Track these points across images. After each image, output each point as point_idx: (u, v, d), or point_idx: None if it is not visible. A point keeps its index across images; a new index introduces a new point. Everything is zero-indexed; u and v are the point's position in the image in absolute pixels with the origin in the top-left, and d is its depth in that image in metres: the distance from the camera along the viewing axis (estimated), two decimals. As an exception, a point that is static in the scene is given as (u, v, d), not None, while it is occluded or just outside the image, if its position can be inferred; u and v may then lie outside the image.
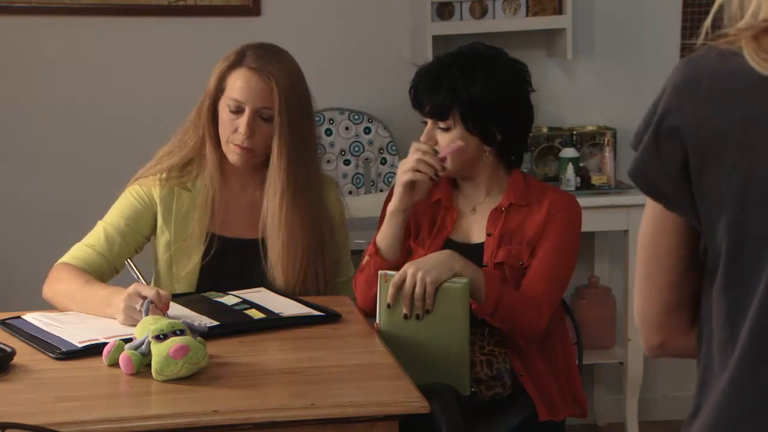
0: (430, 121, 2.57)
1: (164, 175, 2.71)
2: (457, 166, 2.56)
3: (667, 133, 1.34)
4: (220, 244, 2.69)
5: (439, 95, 2.52)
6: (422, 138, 2.58)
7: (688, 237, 1.38)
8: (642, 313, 1.46)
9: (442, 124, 2.54)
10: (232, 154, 2.67)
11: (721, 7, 1.33)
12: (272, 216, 2.66)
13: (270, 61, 2.64)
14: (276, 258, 2.66)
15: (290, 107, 2.62)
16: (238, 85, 2.63)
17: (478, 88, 2.50)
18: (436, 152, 2.51)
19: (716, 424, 1.32)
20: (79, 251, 2.65)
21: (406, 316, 2.35)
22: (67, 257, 2.64)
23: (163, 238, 2.72)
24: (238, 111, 2.63)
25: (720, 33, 1.32)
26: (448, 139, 2.54)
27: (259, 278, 2.69)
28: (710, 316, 1.36)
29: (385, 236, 2.54)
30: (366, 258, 2.57)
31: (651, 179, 1.37)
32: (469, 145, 2.55)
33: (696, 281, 1.40)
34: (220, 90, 2.65)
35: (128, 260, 2.54)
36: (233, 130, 2.64)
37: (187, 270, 2.69)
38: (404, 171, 2.51)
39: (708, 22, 1.32)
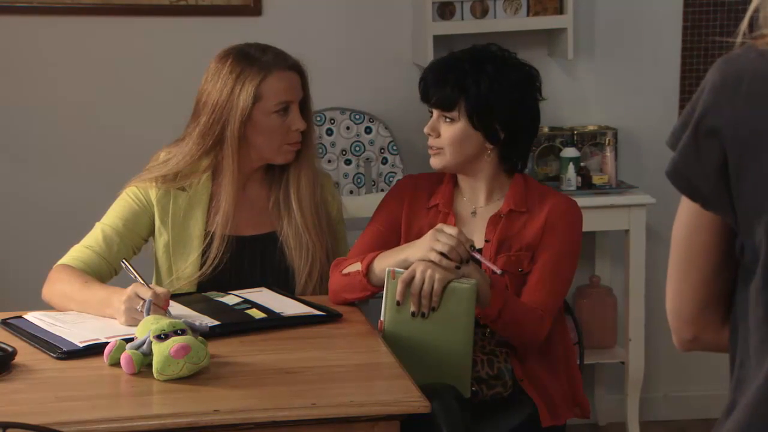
0: (435, 112, 2.58)
1: (160, 178, 2.72)
2: (458, 158, 2.56)
3: (706, 133, 1.33)
4: (224, 242, 2.69)
5: (447, 87, 2.53)
6: (426, 128, 2.58)
7: (724, 235, 1.38)
8: (675, 309, 1.46)
9: (447, 115, 2.55)
10: (286, 154, 2.71)
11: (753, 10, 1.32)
12: (303, 200, 2.71)
13: (289, 55, 2.71)
14: (302, 247, 2.70)
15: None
16: (281, 87, 2.66)
17: (486, 84, 2.51)
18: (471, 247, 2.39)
19: (751, 423, 1.32)
20: (77, 252, 2.66)
21: (413, 314, 2.35)
22: (66, 259, 2.65)
23: (161, 239, 2.72)
24: (284, 112, 2.66)
25: (758, 33, 1.32)
26: (451, 131, 2.54)
27: (264, 273, 2.70)
28: (746, 313, 1.36)
29: (384, 269, 2.42)
30: (355, 266, 2.52)
31: (689, 179, 1.36)
32: (471, 140, 2.55)
33: (730, 277, 1.41)
34: (255, 102, 2.64)
35: (124, 261, 2.53)
36: (285, 132, 2.68)
37: (189, 270, 2.69)
38: (430, 251, 2.36)
39: (745, 23, 1.32)
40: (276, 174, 2.76)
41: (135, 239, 2.72)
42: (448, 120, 2.55)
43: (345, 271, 2.53)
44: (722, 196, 1.34)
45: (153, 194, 2.72)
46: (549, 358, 2.57)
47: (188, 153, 2.70)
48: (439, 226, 2.40)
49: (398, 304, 2.36)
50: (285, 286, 2.70)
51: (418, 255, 2.36)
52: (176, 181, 2.72)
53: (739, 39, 1.32)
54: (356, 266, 2.50)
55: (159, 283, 2.73)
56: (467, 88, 2.51)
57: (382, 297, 2.41)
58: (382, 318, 2.39)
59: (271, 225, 2.75)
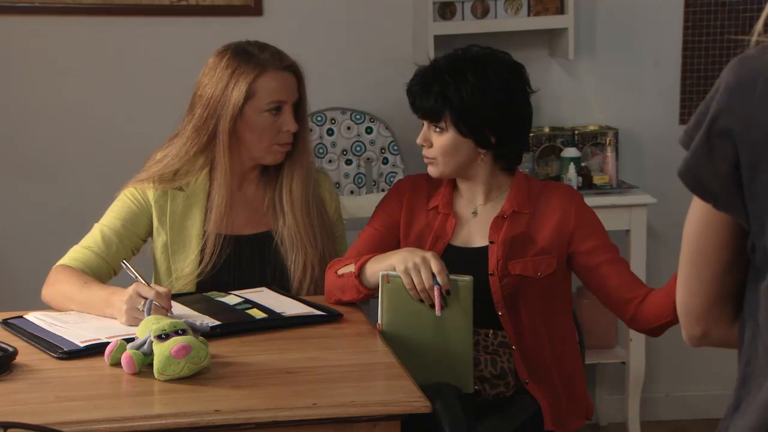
0: (425, 123, 2.57)
1: (158, 178, 2.72)
2: (451, 167, 2.55)
3: (719, 134, 1.33)
4: (221, 242, 2.70)
5: (431, 99, 2.52)
6: (418, 139, 2.57)
7: (734, 234, 1.39)
8: (685, 306, 1.46)
9: (436, 126, 2.54)
10: (275, 155, 2.70)
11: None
12: (295, 202, 2.71)
13: (286, 55, 2.70)
14: (294, 248, 2.69)
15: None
16: (274, 86, 2.66)
17: (468, 92, 2.48)
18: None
19: (764, 424, 1.32)
20: (77, 253, 2.65)
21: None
22: (65, 259, 2.64)
23: (159, 239, 2.72)
24: (276, 111, 2.66)
25: None
26: (441, 141, 2.53)
27: (262, 272, 2.71)
28: (755, 311, 1.37)
29: (375, 272, 2.43)
30: (349, 267, 2.51)
31: (701, 179, 1.36)
32: (463, 148, 2.54)
33: (741, 275, 1.41)
34: (247, 99, 2.64)
35: (124, 261, 2.53)
36: (276, 132, 2.67)
37: (188, 269, 2.69)
38: (404, 271, 2.35)
39: (761, 23, 1.32)
40: (271, 174, 2.76)
41: (134, 240, 2.72)
42: (437, 130, 2.54)
43: (340, 272, 2.53)
44: (734, 197, 1.34)
45: (151, 195, 2.72)
46: (556, 361, 2.56)
47: (183, 148, 2.70)
48: (430, 256, 2.35)
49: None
50: (282, 286, 2.70)
51: (401, 266, 2.36)
52: (174, 180, 2.72)
53: (754, 39, 1.32)
54: (350, 267, 2.50)
55: (158, 283, 2.73)
56: (450, 98, 2.49)
57: (378, 299, 2.41)
58: (379, 321, 2.39)
59: (267, 224, 2.76)
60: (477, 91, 2.49)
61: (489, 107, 2.50)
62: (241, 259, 2.73)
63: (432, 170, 2.59)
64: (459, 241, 2.59)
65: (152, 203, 2.72)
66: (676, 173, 1.39)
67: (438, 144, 2.54)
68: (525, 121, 2.60)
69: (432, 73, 2.55)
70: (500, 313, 2.52)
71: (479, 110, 2.50)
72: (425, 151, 2.58)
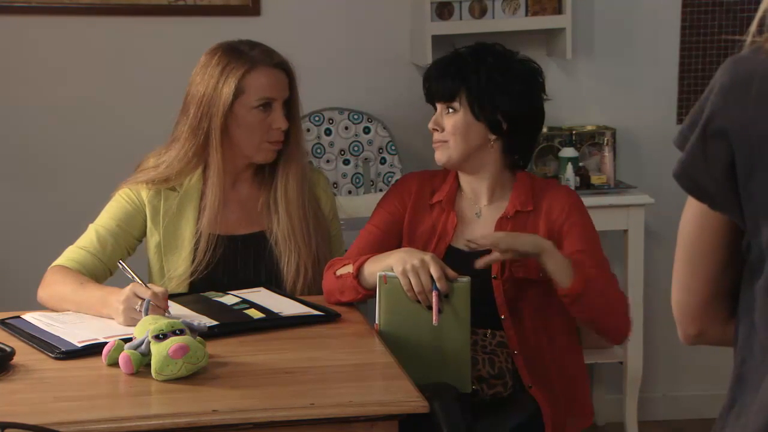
0: (439, 107, 2.58)
1: (151, 180, 2.71)
2: (461, 149, 2.55)
3: (714, 135, 1.33)
4: (214, 242, 2.69)
5: (448, 78, 2.54)
6: (430, 123, 2.58)
7: (730, 234, 1.39)
8: (680, 305, 1.47)
9: (449, 106, 2.55)
10: (266, 153, 2.70)
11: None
12: (291, 203, 2.70)
13: (277, 52, 2.70)
14: (288, 249, 2.69)
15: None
16: (264, 82, 2.65)
17: (486, 74, 2.52)
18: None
19: (762, 426, 1.32)
20: (72, 253, 2.65)
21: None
22: (60, 260, 2.64)
23: (152, 239, 2.72)
24: (266, 108, 2.65)
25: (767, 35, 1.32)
26: (453, 121, 2.54)
27: (256, 273, 2.71)
28: (751, 310, 1.37)
29: (373, 273, 2.42)
30: (347, 268, 2.51)
31: (697, 180, 1.37)
32: (474, 130, 2.54)
33: (736, 274, 1.41)
34: (237, 95, 2.64)
35: (121, 261, 2.53)
36: (266, 130, 2.66)
37: (180, 269, 2.69)
38: (402, 273, 2.34)
39: (755, 24, 1.32)
40: (266, 174, 2.76)
41: (129, 240, 2.71)
42: (450, 111, 2.55)
43: (338, 272, 2.53)
44: (729, 197, 1.34)
45: (144, 195, 2.72)
46: (557, 364, 2.57)
47: (181, 150, 2.69)
48: (429, 258, 2.34)
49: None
50: (276, 286, 2.70)
51: (399, 267, 2.36)
52: (167, 180, 2.72)
53: (748, 39, 1.33)
54: (348, 268, 2.50)
55: (152, 283, 2.72)
56: (467, 77, 2.53)
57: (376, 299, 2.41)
58: (377, 321, 2.39)
59: (260, 224, 2.75)
60: (495, 74, 2.53)
61: (504, 92, 2.53)
62: (235, 259, 2.72)
63: (440, 155, 2.58)
64: (461, 242, 2.57)
65: (146, 203, 2.71)
66: (672, 175, 1.40)
67: (449, 125, 2.55)
68: (536, 119, 2.61)
69: (452, 55, 2.59)
70: (503, 317, 2.52)
71: (494, 93, 2.52)
72: (436, 135, 2.58)
